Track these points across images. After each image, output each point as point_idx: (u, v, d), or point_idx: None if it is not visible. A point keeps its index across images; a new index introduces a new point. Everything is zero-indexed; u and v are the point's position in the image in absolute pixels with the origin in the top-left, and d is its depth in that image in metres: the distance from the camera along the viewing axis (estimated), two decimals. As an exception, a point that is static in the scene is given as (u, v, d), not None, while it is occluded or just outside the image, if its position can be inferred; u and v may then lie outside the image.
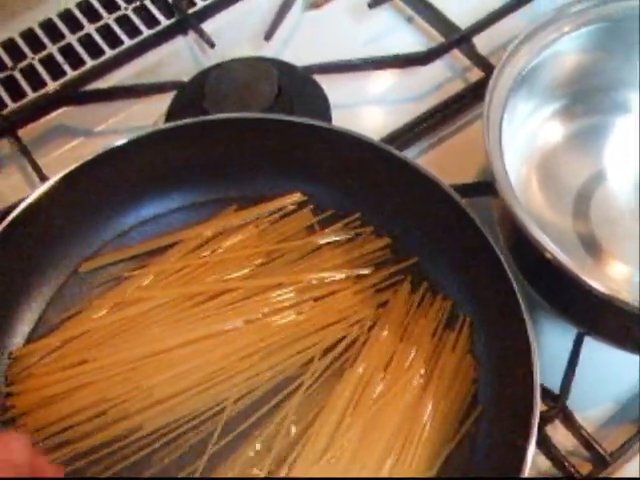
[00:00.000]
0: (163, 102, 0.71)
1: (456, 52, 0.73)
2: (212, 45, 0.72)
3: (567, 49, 0.61)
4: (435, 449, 0.53)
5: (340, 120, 0.68)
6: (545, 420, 0.55)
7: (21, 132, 0.69)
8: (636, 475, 0.56)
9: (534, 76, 0.60)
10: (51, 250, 0.59)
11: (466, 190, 0.60)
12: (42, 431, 0.53)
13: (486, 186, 0.60)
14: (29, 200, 0.56)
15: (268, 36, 0.73)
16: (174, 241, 0.61)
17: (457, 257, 0.58)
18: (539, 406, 0.50)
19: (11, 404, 0.54)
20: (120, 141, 0.58)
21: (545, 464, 0.56)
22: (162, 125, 0.60)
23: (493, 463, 0.52)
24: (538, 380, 0.50)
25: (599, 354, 0.58)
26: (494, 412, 0.54)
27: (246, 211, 0.62)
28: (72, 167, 0.58)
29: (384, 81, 0.74)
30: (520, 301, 0.52)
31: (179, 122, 0.59)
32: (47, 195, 0.57)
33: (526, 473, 0.48)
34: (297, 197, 0.63)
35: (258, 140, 0.61)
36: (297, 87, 0.70)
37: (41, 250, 0.58)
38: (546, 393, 0.56)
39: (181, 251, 0.61)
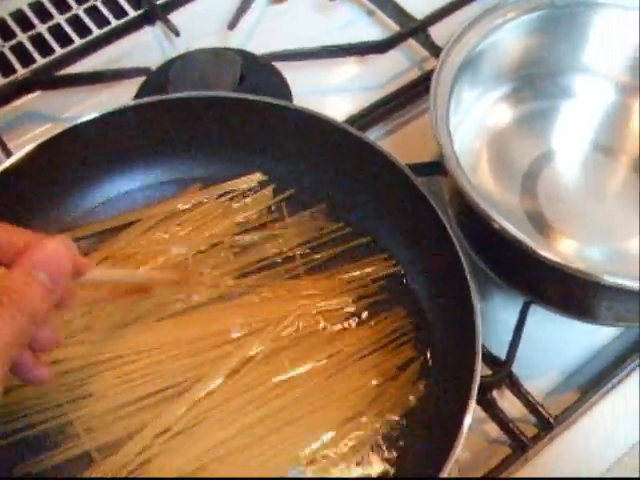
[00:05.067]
0: (130, 90, 0.73)
1: (414, 43, 0.76)
2: (177, 34, 0.75)
3: (512, 35, 0.64)
4: (377, 414, 0.56)
5: (301, 107, 0.71)
6: (491, 385, 0.58)
7: (-8, 115, 0.72)
8: (579, 439, 0.59)
9: (480, 61, 0.63)
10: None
11: (418, 169, 0.63)
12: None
13: (436, 165, 0.63)
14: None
15: (231, 25, 0.76)
16: (138, 218, 0.63)
17: (409, 232, 0.60)
18: (480, 366, 0.52)
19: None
20: (84, 118, 0.60)
21: (493, 430, 0.58)
22: (125, 103, 0.62)
23: (439, 427, 0.54)
24: (480, 341, 0.52)
25: (545, 324, 0.61)
26: (439, 381, 0.57)
27: (207, 190, 0.64)
28: (36, 143, 0.59)
29: (344, 71, 0.77)
30: (465, 268, 0.54)
31: (142, 100, 0.62)
32: (11, 171, 0.58)
33: (465, 432, 0.50)
34: (258, 177, 0.65)
35: (220, 119, 0.63)
36: (259, 76, 0.73)
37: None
38: (493, 359, 0.59)
39: (141, 229, 0.63)
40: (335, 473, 0.54)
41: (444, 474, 0.49)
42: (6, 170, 0.58)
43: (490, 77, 0.66)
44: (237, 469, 0.53)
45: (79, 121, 0.60)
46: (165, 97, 0.61)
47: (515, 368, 0.58)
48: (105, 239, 0.63)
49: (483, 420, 0.58)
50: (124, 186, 0.64)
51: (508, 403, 0.59)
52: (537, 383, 0.60)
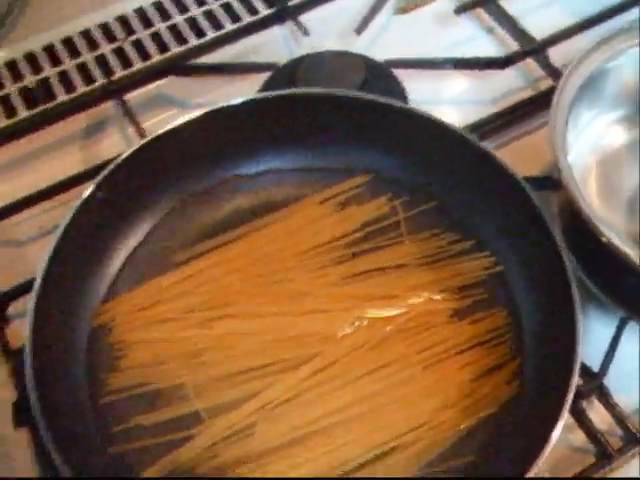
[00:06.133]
0: (254, 85, 0.76)
1: (530, 62, 0.79)
2: (307, 33, 0.79)
3: (632, 61, 0.66)
4: (471, 412, 0.58)
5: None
6: (582, 394, 0.60)
7: (127, 97, 0.77)
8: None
9: (598, 85, 0.66)
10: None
11: (528, 182, 0.66)
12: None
13: (547, 180, 0.66)
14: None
15: (359, 30, 0.80)
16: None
17: (516, 238, 0.63)
18: (576, 377, 0.54)
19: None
20: (231, 101, 0.66)
21: (579, 439, 0.60)
22: (267, 93, 0.68)
23: (528, 428, 0.56)
24: (579, 353, 0.55)
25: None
26: (533, 384, 0.59)
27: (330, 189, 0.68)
28: (192, 116, 0.65)
29: (459, 84, 0.80)
30: (570, 278, 0.57)
31: (283, 91, 0.67)
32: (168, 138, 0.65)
33: (555, 439, 0.52)
34: (366, 177, 0.69)
35: (345, 119, 0.67)
36: (379, 82, 0.76)
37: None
38: (585, 370, 0.60)
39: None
40: (421, 460, 0.56)
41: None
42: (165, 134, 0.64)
43: (608, 99, 0.68)
44: (331, 444, 0.57)
45: (225, 104, 0.65)
46: (300, 91, 0.67)
47: (606, 381, 0.60)
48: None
49: (569, 428, 0.60)
50: (242, 170, 0.69)
51: (595, 414, 0.60)
52: (627, 399, 0.61)
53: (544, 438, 0.52)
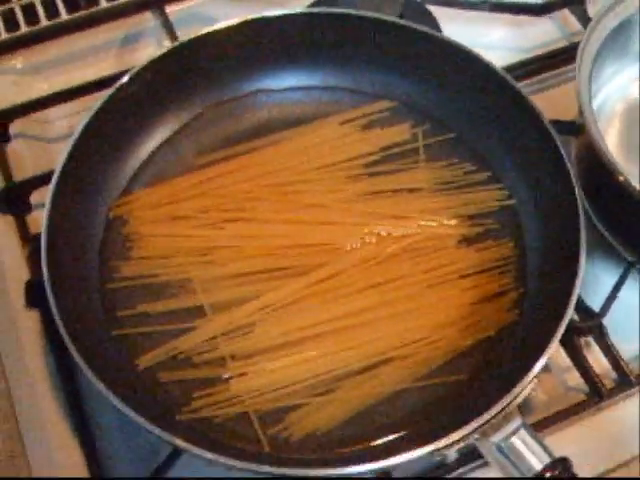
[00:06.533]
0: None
1: (567, 15, 0.79)
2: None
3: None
4: (469, 333, 0.59)
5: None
6: (580, 331, 0.60)
7: (168, 10, 0.78)
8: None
9: (624, 36, 0.67)
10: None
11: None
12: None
13: (569, 125, 0.66)
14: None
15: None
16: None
17: (531, 173, 0.64)
18: (574, 303, 0.55)
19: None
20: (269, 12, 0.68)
21: (574, 379, 0.61)
22: (297, 9, 0.69)
23: (521, 355, 0.57)
24: (579, 283, 0.55)
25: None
26: (532, 313, 0.60)
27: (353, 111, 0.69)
28: (230, 22, 0.67)
29: (495, 31, 0.80)
30: (580, 215, 0.58)
31: (316, 9, 0.69)
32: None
33: (543, 363, 0.53)
34: (391, 104, 0.70)
35: (375, 41, 0.68)
36: (415, 20, 0.77)
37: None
38: (586, 309, 0.61)
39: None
40: (415, 373, 0.58)
41: (517, 392, 0.52)
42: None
43: (633, 52, 0.69)
44: (328, 349, 0.58)
45: (264, 14, 0.67)
46: (339, 10, 0.68)
47: (606, 323, 0.61)
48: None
49: (566, 369, 0.61)
50: (269, 84, 0.70)
51: (592, 357, 0.61)
52: (625, 345, 0.62)
53: (533, 365, 0.53)
